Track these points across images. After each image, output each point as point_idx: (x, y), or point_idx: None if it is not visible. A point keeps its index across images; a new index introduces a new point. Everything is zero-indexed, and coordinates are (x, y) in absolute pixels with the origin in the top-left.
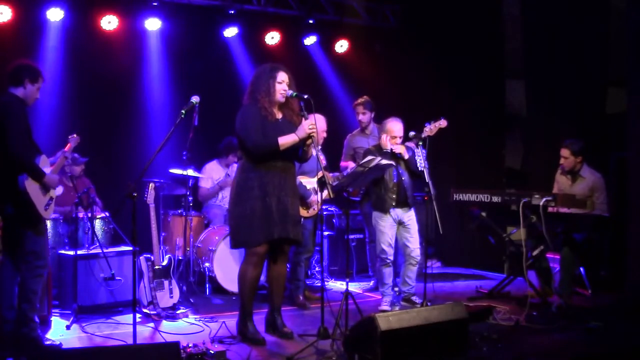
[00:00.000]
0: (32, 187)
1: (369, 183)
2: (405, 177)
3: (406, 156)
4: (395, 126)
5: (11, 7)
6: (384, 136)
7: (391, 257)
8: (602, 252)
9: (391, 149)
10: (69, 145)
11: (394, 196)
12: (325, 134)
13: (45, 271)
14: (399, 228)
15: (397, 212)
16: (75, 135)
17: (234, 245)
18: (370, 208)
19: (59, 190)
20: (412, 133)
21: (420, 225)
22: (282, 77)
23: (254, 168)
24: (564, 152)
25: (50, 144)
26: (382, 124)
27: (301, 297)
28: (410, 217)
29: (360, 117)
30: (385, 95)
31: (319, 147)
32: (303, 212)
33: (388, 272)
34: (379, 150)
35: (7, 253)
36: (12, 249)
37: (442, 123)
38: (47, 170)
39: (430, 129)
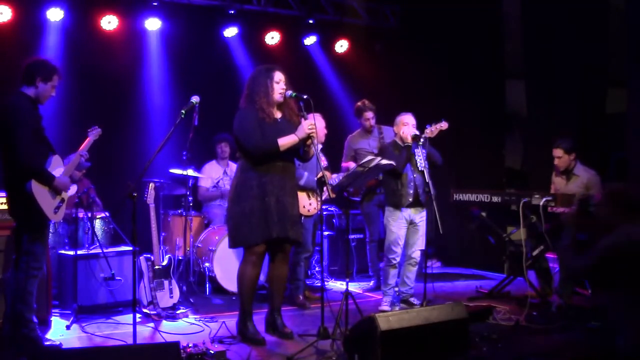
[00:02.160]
0: (39, 190)
1: (383, 177)
2: (417, 175)
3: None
4: (407, 117)
5: (11, 7)
6: (403, 129)
7: (398, 259)
8: None
9: (414, 135)
10: (87, 140)
11: (411, 191)
12: (325, 130)
13: (40, 273)
14: (408, 227)
15: (410, 213)
16: (96, 127)
17: (232, 244)
18: (370, 208)
19: (73, 190)
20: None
21: None
22: (279, 76)
23: (254, 168)
24: (557, 152)
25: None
26: (395, 121)
27: (301, 297)
28: (422, 217)
29: (365, 122)
30: (385, 96)
31: (321, 147)
32: (303, 211)
33: (393, 272)
34: (395, 146)
35: (14, 251)
36: (17, 247)
37: (443, 125)
38: (60, 170)
39: (431, 131)
